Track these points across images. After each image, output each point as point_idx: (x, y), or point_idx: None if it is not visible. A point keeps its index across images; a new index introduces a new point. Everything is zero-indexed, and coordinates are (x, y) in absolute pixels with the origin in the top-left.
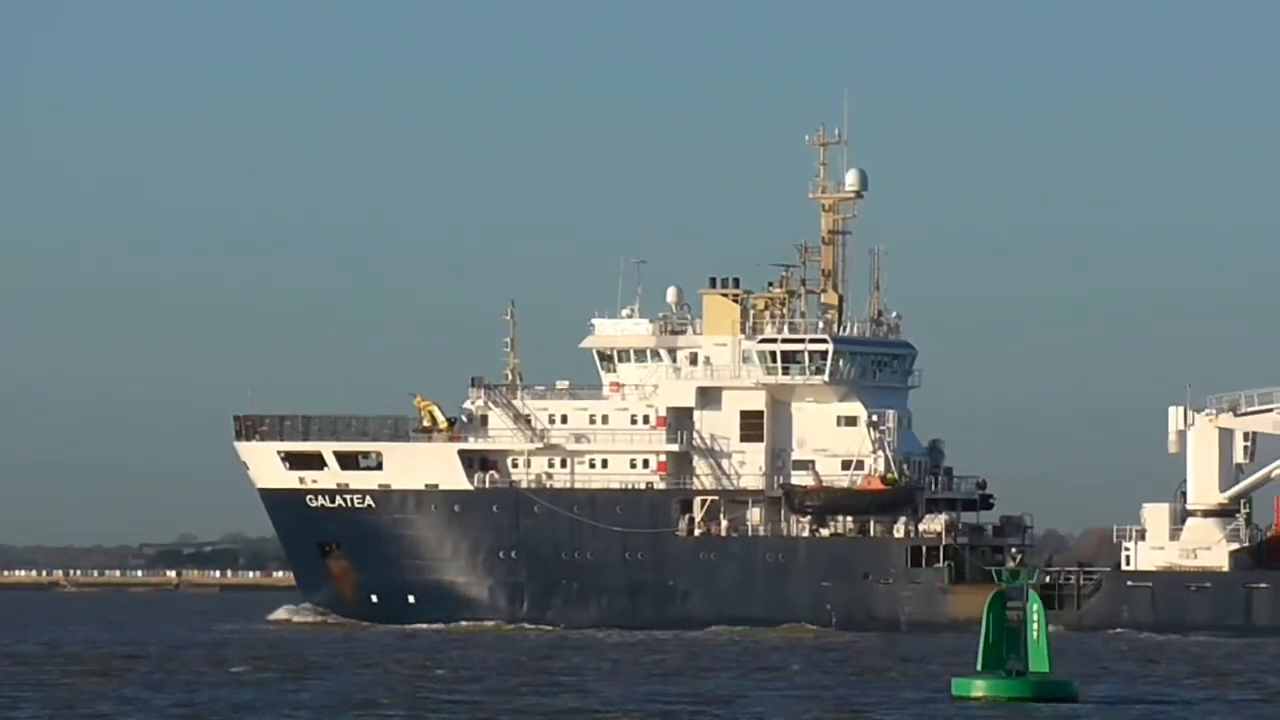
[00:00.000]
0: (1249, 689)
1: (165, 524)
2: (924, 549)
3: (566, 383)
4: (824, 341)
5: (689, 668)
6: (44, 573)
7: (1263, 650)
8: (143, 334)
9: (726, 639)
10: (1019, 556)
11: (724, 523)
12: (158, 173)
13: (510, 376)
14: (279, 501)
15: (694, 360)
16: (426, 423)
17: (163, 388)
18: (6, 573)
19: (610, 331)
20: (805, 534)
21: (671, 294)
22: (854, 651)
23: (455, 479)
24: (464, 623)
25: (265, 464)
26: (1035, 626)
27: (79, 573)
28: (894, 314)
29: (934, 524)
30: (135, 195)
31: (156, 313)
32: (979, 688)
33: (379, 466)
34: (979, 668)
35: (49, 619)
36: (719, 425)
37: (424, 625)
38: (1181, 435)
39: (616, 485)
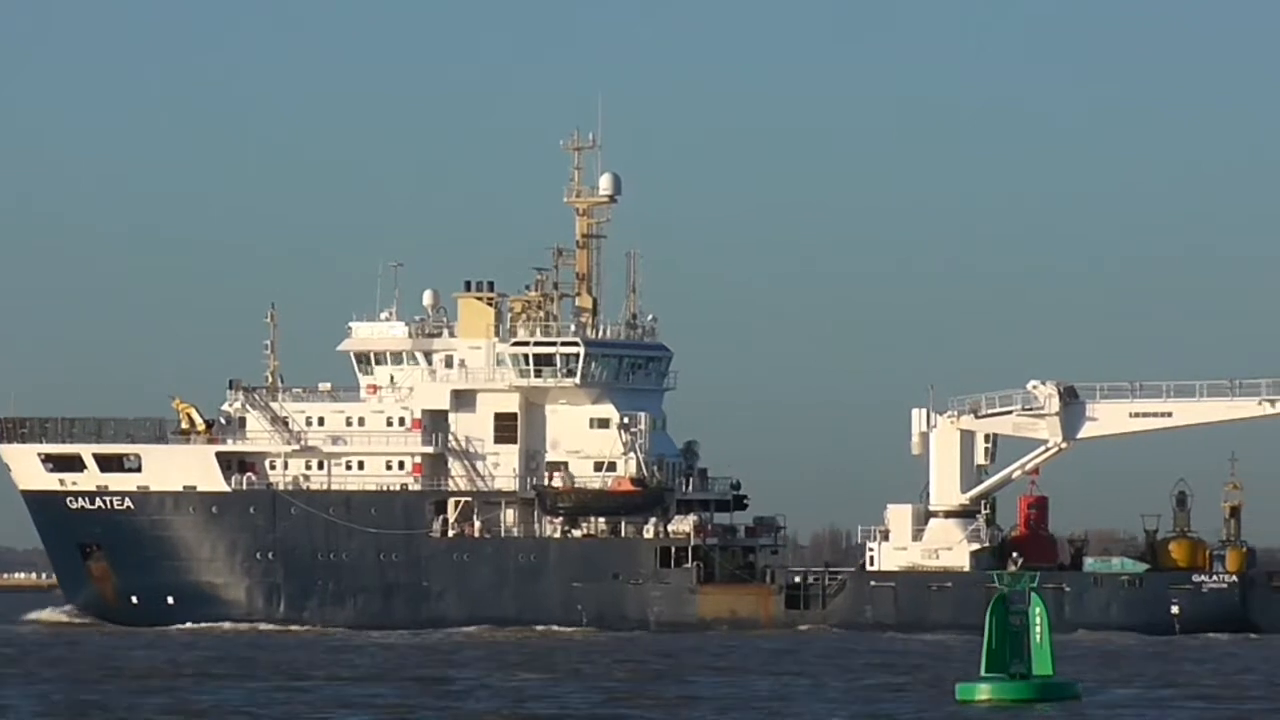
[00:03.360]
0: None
1: None
2: (673, 549)
3: (329, 385)
4: (575, 344)
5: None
6: (44, 575)
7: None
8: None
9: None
10: (1020, 561)
11: (477, 524)
12: None
13: (270, 379)
14: (40, 503)
15: (449, 363)
16: (185, 425)
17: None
18: (6, 575)
19: (367, 334)
20: (557, 535)
21: (428, 297)
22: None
23: (213, 481)
24: (225, 624)
25: (26, 466)
26: (1038, 629)
27: None
28: (649, 317)
29: (683, 525)
30: None
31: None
32: (983, 691)
33: (140, 469)
34: (982, 671)
35: None
36: (473, 427)
37: (179, 626)
38: (924, 437)
39: (372, 487)
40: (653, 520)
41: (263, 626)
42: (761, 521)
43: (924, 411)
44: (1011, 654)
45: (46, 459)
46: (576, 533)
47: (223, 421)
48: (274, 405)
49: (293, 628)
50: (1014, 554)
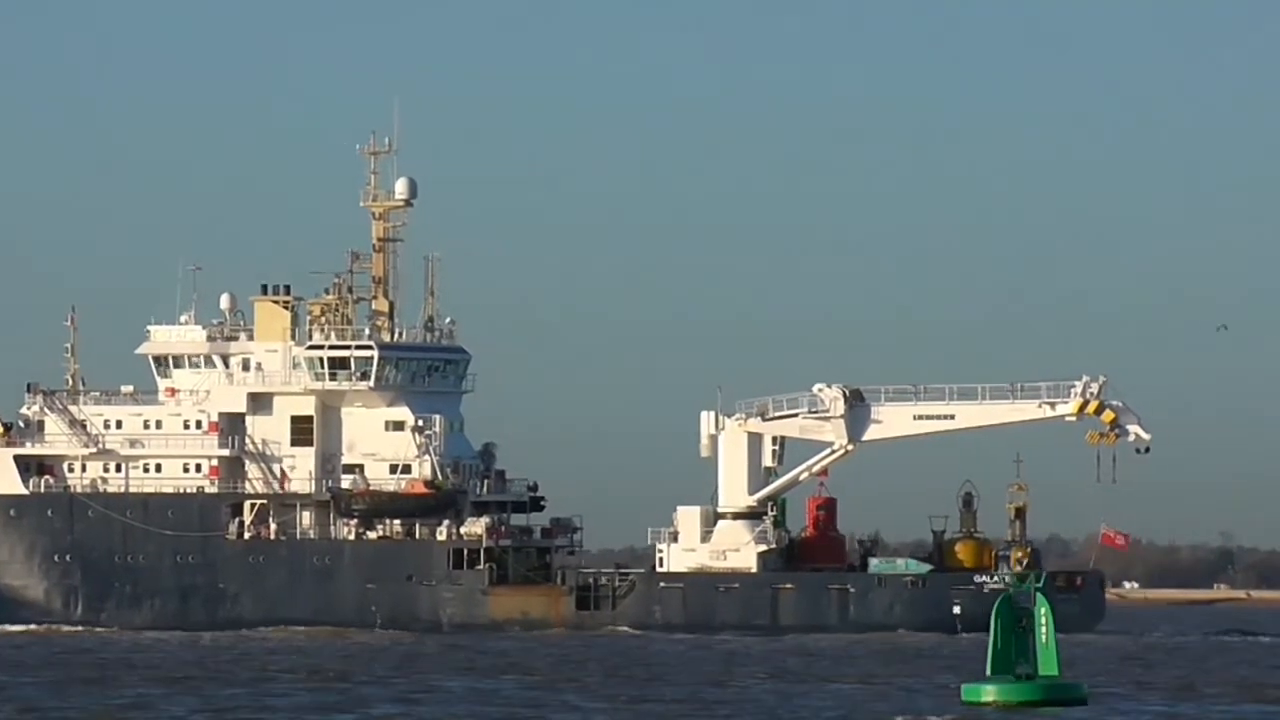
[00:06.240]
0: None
1: None
2: (466, 551)
3: (131, 387)
4: (370, 348)
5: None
6: None
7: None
8: None
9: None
10: (1025, 559)
11: (273, 526)
12: None
13: (71, 382)
14: None
15: (246, 366)
16: None
17: None
18: None
19: (165, 338)
20: (352, 537)
21: (225, 301)
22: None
23: (10, 484)
24: (17, 626)
25: None
26: (1044, 630)
27: None
28: (448, 320)
29: (475, 527)
30: None
31: None
32: (989, 693)
33: None
34: (988, 672)
35: None
36: (270, 430)
37: None
38: (713, 440)
39: (169, 489)
40: (446, 522)
41: (62, 628)
42: (558, 523)
43: (713, 414)
44: (1017, 655)
45: None
46: (371, 534)
47: (21, 425)
48: (73, 408)
49: (93, 629)
50: (1018, 555)
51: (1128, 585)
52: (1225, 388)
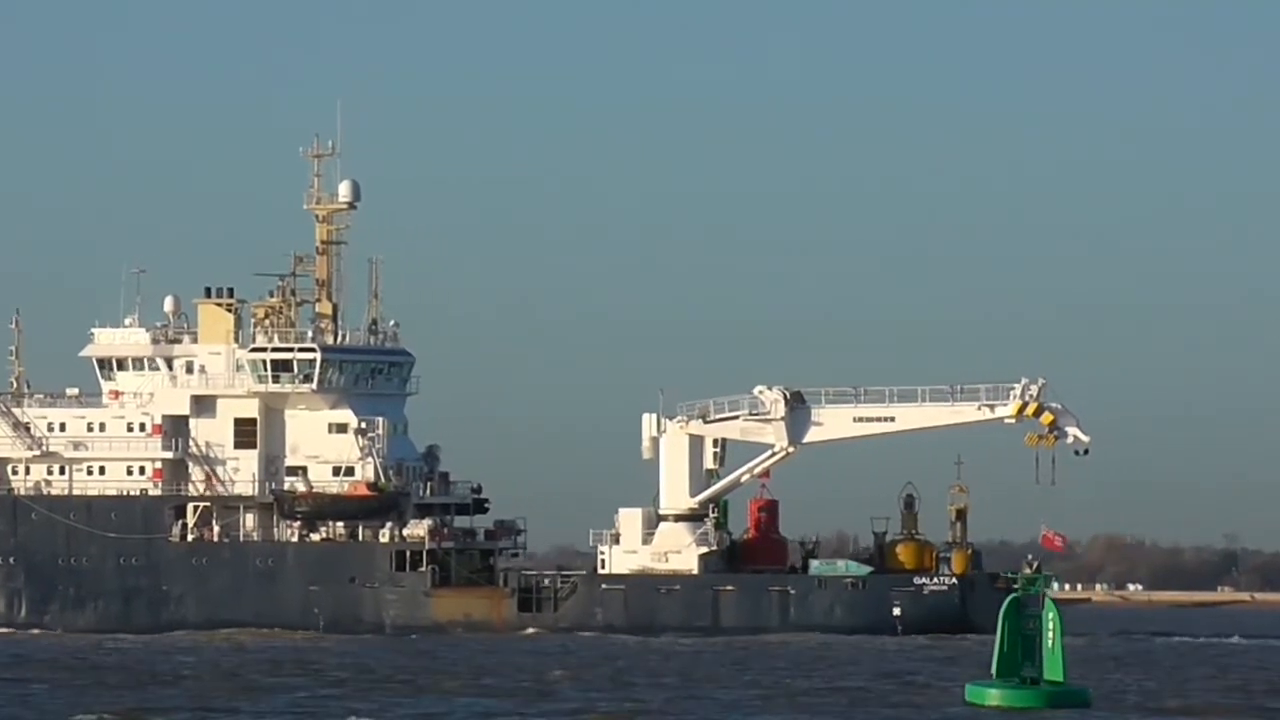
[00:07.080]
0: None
1: None
2: (408, 553)
3: (75, 390)
4: (312, 350)
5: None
6: None
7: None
8: None
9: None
10: (1036, 562)
11: (216, 528)
12: None
13: (15, 384)
14: None
15: (190, 369)
16: None
17: None
18: None
19: (109, 340)
20: (295, 539)
21: (169, 303)
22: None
23: None
24: None
25: None
26: (1050, 634)
27: None
28: (391, 322)
29: (418, 529)
30: None
31: None
32: (993, 696)
33: None
34: (994, 675)
35: None
36: (213, 432)
37: None
38: (655, 442)
39: (113, 492)
40: (389, 524)
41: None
42: (502, 525)
43: (654, 416)
44: (1024, 658)
45: None
46: (314, 537)
47: None
48: (16, 411)
49: (33, 632)
50: (1028, 556)
51: (1132, 588)
52: (1227, 388)
